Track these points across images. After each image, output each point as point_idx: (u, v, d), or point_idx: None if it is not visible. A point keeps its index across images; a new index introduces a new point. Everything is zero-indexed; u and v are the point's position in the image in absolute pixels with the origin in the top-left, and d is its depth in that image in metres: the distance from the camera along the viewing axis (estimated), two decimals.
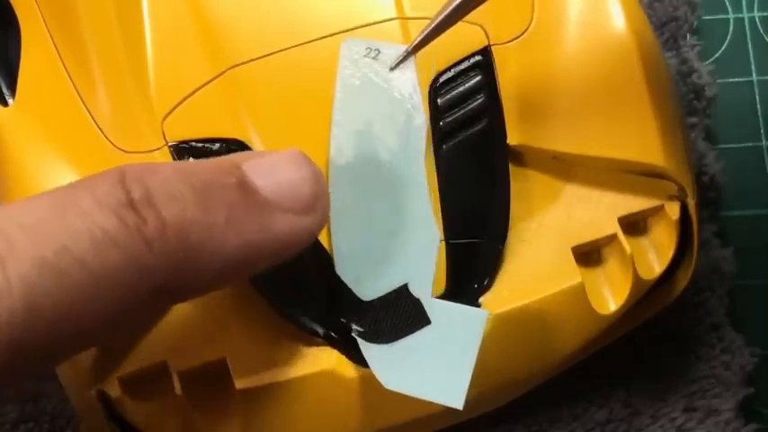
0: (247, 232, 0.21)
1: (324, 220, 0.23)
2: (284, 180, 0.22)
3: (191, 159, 0.26)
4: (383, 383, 0.24)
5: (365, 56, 0.27)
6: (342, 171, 0.26)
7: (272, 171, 0.22)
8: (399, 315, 0.26)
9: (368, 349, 0.25)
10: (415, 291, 0.26)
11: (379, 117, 0.27)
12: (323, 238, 0.26)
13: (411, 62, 0.27)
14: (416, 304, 0.26)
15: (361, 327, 0.26)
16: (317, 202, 0.22)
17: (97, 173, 0.20)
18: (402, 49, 0.27)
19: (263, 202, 0.21)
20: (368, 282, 0.26)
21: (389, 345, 0.25)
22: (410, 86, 0.27)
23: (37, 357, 0.18)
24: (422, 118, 0.27)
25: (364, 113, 0.27)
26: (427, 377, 0.24)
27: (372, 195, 0.26)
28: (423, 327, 0.25)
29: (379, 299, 0.26)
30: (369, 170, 0.26)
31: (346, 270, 0.26)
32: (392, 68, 0.27)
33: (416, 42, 0.26)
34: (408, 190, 0.26)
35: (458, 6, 0.26)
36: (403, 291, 0.26)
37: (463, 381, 0.24)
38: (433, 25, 0.26)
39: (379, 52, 0.27)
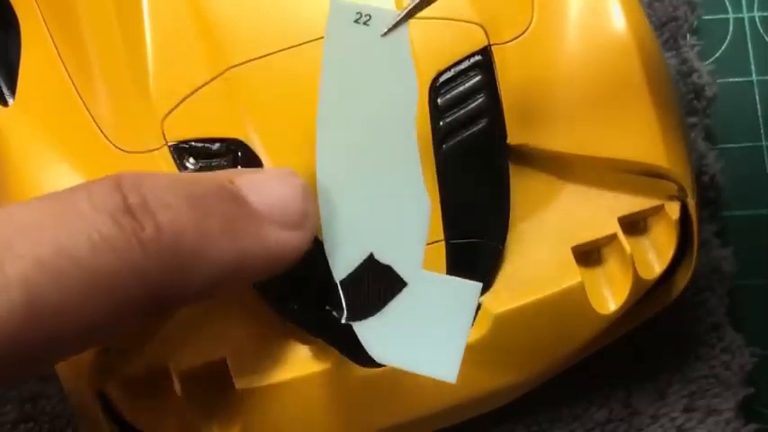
0: (240, 242, 0.22)
1: (311, 237, 0.24)
2: (275, 195, 0.23)
3: (186, 171, 0.27)
4: (374, 357, 0.24)
5: (355, 21, 0.26)
6: (330, 148, 0.26)
7: (264, 186, 0.23)
8: (377, 284, 0.25)
9: (359, 323, 0.25)
10: (406, 263, 0.25)
11: (369, 89, 0.26)
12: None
13: (404, 28, 0.26)
14: (402, 282, 0.25)
15: (351, 337, 0.26)
16: (306, 220, 0.23)
17: (95, 178, 0.21)
18: (395, 14, 0.26)
19: (255, 215, 0.22)
20: (358, 258, 0.25)
21: (382, 318, 0.24)
22: (403, 54, 0.26)
23: (35, 355, 0.19)
24: (413, 86, 0.26)
25: (353, 86, 0.26)
26: (420, 351, 0.24)
27: (361, 168, 0.26)
28: (414, 299, 0.25)
29: (361, 272, 0.25)
30: (358, 143, 0.26)
31: (336, 252, 0.25)
32: (384, 35, 0.26)
33: (411, 6, 0.25)
34: (400, 161, 0.26)
35: None
36: (371, 259, 0.26)
37: (457, 354, 0.24)
38: None
39: (370, 17, 0.26)
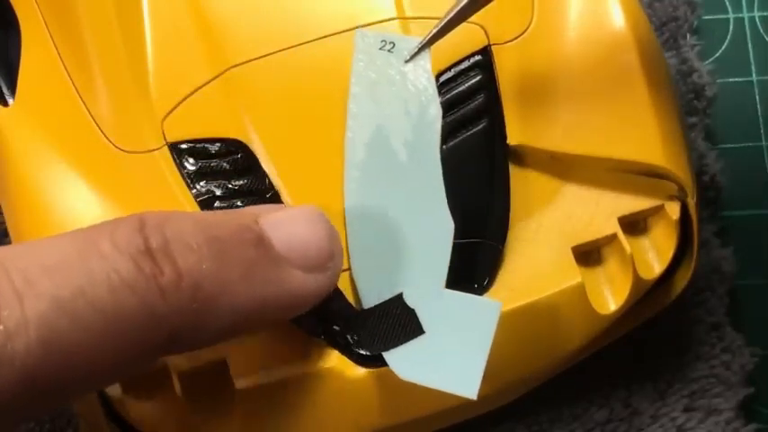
0: (260, 287, 0.21)
1: (335, 280, 0.24)
2: (299, 237, 0.23)
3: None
4: (397, 374, 0.24)
5: (380, 48, 0.27)
6: (357, 165, 0.26)
7: (288, 227, 0.23)
8: (394, 323, 0.26)
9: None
10: (429, 282, 0.25)
11: (394, 110, 0.27)
12: None
13: (426, 54, 0.27)
14: (412, 313, 0.26)
15: (354, 334, 0.26)
16: (330, 262, 0.23)
17: (117, 218, 0.21)
18: (417, 41, 0.27)
19: (277, 257, 0.22)
20: (382, 276, 0.26)
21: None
22: (425, 79, 0.27)
23: (50, 393, 0.19)
24: (436, 111, 0.27)
25: (380, 107, 0.27)
26: (442, 368, 0.24)
27: (387, 189, 0.26)
28: (436, 317, 0.25)
29: (376, 307, 0.26)
30: (384, 164, 0.26)
31: (360, 265, 0.26)
32: (407, 61, 0.27)
33: (432, 34, 0.27)
34: (422, 182, 0.26)
35: None
36: (398, 299, 0.26)
37: (477, 371, 0.24)
38: (450, 16, 0.26)
39: (394, 45, 0.27)
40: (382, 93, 0.27)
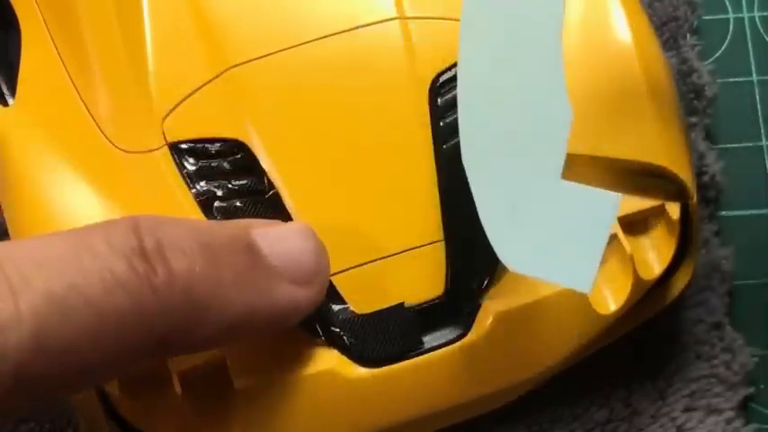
0: (251, 295, 0.22)
1: (322, 295, 0.24)
2: (289, 250, 0.23)
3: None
4: (508, 266, 0.24)
5: None
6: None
7: (279, 239, 0.23)
8: (394, 329, 0.26)
9: (494, 232, 0.24)
10: (545, 172, 0.24)
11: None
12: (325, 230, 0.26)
13: None
14: (410, 322, 0.26)
15: (353, 337, 0.26)
16: (317, 277, 0.23)
17: (113, 219, 0.21)
18: None
19: (268, 268, 0.22)
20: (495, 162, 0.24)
21: (517, 228, 0.24)
22: None
23: (41, 387, 0.19)
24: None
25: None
26: (554, 260, 0.23)
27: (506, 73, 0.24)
28: (551, 209, 0.24)
29: (373, 314, 0.26)
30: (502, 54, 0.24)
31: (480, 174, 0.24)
32: None
33: None
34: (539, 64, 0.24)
35: None
36: (398, 307, 0.26)
37: (593, 265, 0.23)
38: None
39: None
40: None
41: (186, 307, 0.20)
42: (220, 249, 0.21)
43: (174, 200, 0.27)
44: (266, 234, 0.23)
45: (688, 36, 0.36)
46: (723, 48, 0.37)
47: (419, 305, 0.27)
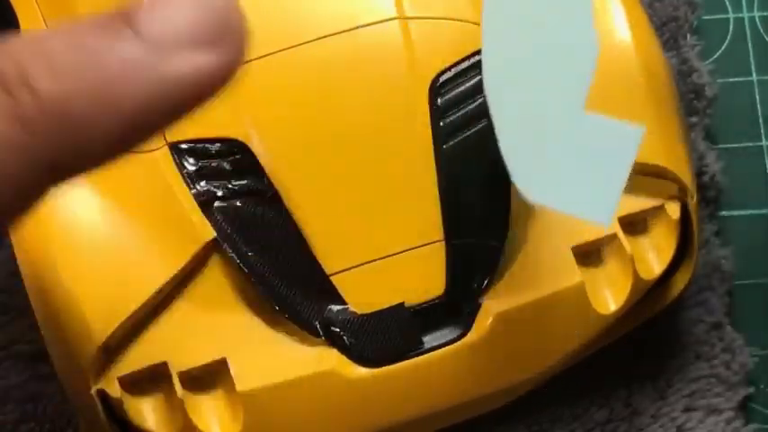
0: (144, 89, 0.19)
1: (239, 55, 0.20)
2: (180, 16, 0.19)
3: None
4: (527, 198, 0.23)
5: None
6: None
7: (164, 10, 0.19)
8: (393, 329, 0.26)
9: (513, 162, 0.24)
10: (568, 104, 0.24)
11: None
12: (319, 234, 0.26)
13: None
14: (410, 322, 0.26)
15: (353, 338, 0.26)
16: (226, 35, 0.20)
17: None
18: None
19: (158, 48, 0.19)
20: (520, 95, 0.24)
21: (539, 160, 0.24)
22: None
23: None
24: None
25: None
26: (575, 193, 0.23)
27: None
28: (573, 142, 0.24)
29: (373, 314, 0.26)
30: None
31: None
32: None
33: None
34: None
35: None
36: (398, 308, 0.26)
37: (613, 198, 0.23)
38: None
39: None
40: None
41: (69, 128, 0.18)
42: (97, 51, 0.18)
43: (173, 200, 0.27)
44: (147, 11, 0.19)
45: (688, 36, 0.36)
46: (723, 48, 0.37)
47: (419, 305, 0.27)
